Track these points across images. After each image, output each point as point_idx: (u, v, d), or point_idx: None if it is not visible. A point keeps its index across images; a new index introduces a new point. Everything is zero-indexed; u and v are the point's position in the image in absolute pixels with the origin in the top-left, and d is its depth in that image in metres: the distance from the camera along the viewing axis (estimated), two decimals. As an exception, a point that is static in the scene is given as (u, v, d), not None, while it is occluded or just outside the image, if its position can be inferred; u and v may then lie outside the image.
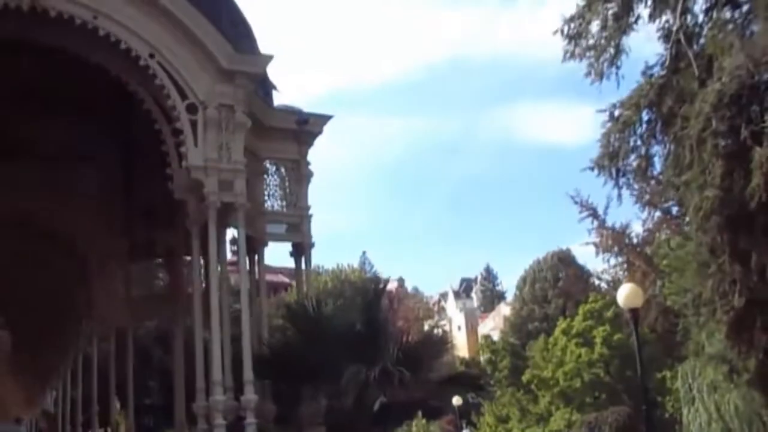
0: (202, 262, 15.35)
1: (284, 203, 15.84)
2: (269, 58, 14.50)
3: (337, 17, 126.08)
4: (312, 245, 15.66)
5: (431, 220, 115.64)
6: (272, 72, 15.62)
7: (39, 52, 15.94)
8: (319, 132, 16.29)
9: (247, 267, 14.68)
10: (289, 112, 16.11)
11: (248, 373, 12.87)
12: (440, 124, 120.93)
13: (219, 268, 13.72)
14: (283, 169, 15.97)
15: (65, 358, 28.06)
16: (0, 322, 16.30)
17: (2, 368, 15.58)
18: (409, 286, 68.24)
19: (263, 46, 15.52)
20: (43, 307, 27.42)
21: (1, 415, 15.81)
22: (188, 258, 16.59)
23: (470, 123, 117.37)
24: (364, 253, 66.82)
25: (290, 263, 16.19)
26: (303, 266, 15.71)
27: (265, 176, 15.81)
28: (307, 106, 16.31)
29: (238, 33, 14.99)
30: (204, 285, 15.22)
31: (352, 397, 12.21)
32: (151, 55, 13.58)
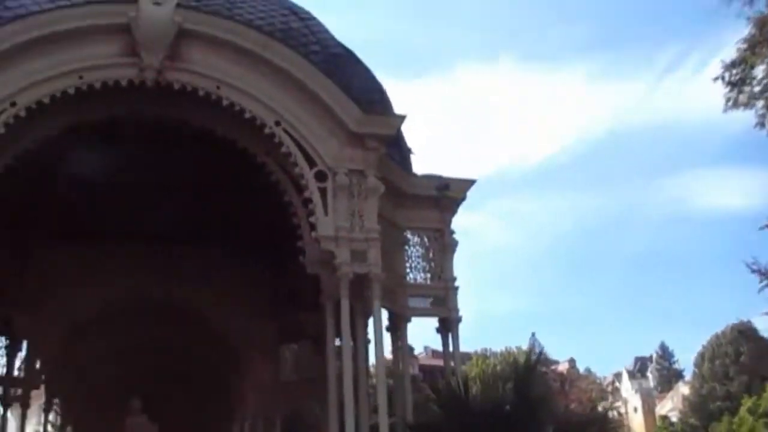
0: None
1: (428, 275, 14.70)
2: (401, 118, 13.58)
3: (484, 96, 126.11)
4: (459, 320, 14.39)
5: (602, 297, 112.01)
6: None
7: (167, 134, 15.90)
8: (463, 198, 15.19)
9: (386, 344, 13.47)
10: (429, 177, 15.07)
11: (386, 463, 11.64)
12: (606, 198, 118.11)
13: (352, 346, 12.70)
14: (425, 239, 14.87)
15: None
16: (136, 407, 15.66)
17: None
18: (581, 367, 65.41)
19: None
20: (192, 398, 27.29)
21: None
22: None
23: (636, 195, 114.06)
24: (533, 334, 64.44)
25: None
26: (450, 342, 14.38)
27: (406, 247, 14.73)
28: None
29: (371, 98, 14.16)
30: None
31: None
32: (277, 123, 12.93)
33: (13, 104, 12.54)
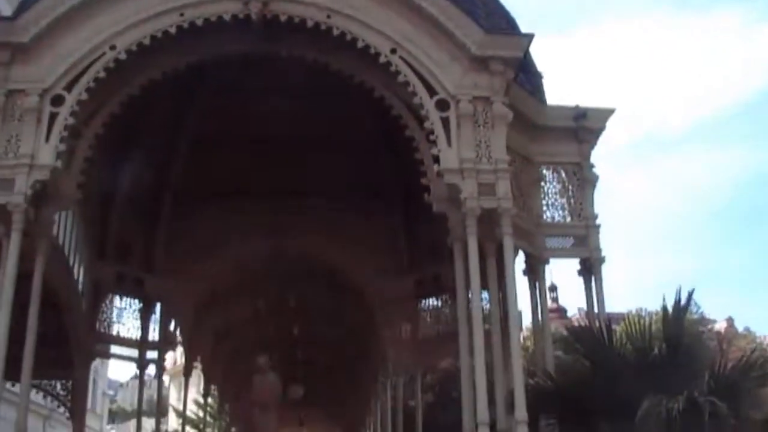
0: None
1: (566, 214, 13.44)
2: (529, 37, 12.27)
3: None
4: (602, 260, 13.08)
5: (763, 255, 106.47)
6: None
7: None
8: (602, 128, 13.81)
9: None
10: (564, 108, 13.77)
11: (520, 412, 10.52)
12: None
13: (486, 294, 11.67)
14: (563, 174, 13.61)
15: (365, 411, 27.20)
16: (262, 364, 15.14)
17: (273, 411, 14.43)
18: (739, 326, 61.84)
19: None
20: (333, 358, 26.95)
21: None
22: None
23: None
24: (680, 286, 60.93)
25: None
26: (593, 286, 13.09)
27: (542, 184, 13.50)
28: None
29: (494, 20, 13.00)
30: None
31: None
32: (393, 51, 11.93)
33: (113, 47, 12.06)
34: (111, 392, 72.90)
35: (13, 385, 21.15)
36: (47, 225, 12.33)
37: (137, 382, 20.69)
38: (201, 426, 40.05)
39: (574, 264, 13.51)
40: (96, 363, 46.99)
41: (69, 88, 12.01)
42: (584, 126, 13.57)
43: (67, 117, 11.84)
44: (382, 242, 19.51)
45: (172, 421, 52.78)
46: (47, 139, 11.70)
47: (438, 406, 39.79)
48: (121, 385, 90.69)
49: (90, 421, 47.58)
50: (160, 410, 20.29)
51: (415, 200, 17.34)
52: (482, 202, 11.37)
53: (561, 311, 53.01)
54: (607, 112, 13.84)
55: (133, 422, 72.47)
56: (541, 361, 12.69)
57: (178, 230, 19.20)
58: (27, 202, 11.38)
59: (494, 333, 12.00)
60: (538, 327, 13.03)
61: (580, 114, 13.49)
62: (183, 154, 18.98)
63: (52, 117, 11.85)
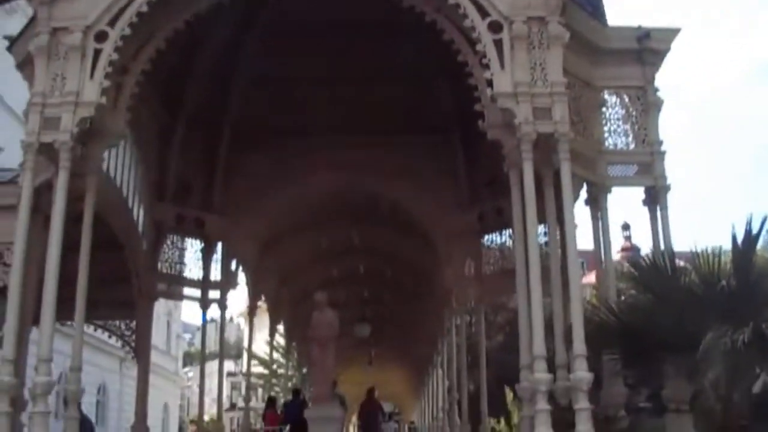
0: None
1: (629, 140, 12.80)
2: (582, -46, 11.62)
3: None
4: (667, 188, 12.42)
5: None
6: None
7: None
8: (667, 49, 13.04)
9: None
10: (626, 28, 13.04)
11: (579, 346, 10.07)
12: None
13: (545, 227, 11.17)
14: (625, 99, 12.94)
15: (432, 350, 27.11)
16: (320, 300, 14.97)
17: (331, 348, 14.30)
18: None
19: None
20: (398, 294, 26.79)
21: (325, 392, 14.52)
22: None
23: None
24: (762, 222, 58.58)
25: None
26: (658, 215, 12.48)
27: (604, 109, 12.85)
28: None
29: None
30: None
31: (719, 371, 8.98)
32: (442, -29, 11.44)
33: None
34: (188, 335, 74.18)
35: (63, 325, 21.71)
36: (96, 162, 12.21)
37: (213, 325, 20.81)
38: (272, 366, 40.48)
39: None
40: (170, 306, 48.09)
41: (112, 23, 11.78)
42: (648, 47, 12.83)
43: (111, 53, 11.63)
44: (445, 178, 19.15)
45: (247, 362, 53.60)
46: (92, 75, 11.52)
47: (508, 346, 39.61)
48: (198, 328, 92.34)
49: (165, 363, 48.79)
50: (222, 350, 20.21)
51: (476, 133, 17.03)
52: (538, 126, 10.83)
53: (634, 250, 51.78)
54: (672, 33, 13.08)
55: (209, 364, 74.26)
56: (604, 294, 12.17)
57: (238, 169, 19.10)
58: (73, 139, 11.24)
59: (553, 264, 11.53)
60: (599, 258, 12.48)
61: (644, 35, 12.75)
62: (241, 90, 18.76)
63: (96, 54, 11.66)
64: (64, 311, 11.51)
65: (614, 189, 12.64)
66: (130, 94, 12.52)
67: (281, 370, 36.91)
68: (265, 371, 40.74)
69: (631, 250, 51.07)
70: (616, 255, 20.60)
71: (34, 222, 11.54)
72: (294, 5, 16.29)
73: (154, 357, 42.32)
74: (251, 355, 25.60)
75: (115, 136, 12.49)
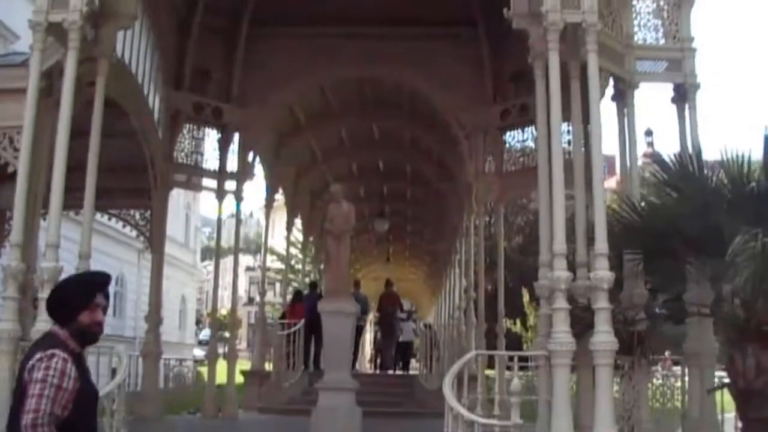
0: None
1: (659, 35, 12.24)
2: None
3: None
4: (697, 86, 11.91)
5: None
6: None
7: None
8: (701, -64, 12.37)
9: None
10: None
11: (600, 245, 9.77)
12: None
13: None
14: (657, -9, 12.32)
15: (451, 249, 26.98)
16: (336, 192, 14.72)
17: (346, 241, 14.09)
18: None
19: None
20: (421, 191, 26.53)
21: (339, 286, 14.40)
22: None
23: None
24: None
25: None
26: (686, 114, 12.01)
27: (634, 2, 12.25)
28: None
29: None
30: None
31: (745, 276, 8.67)
32: None
33: None
34: (207, 229, 74.57)
35: (77, 214, 21.68)
36: (108, 45, 11.80)
37: (233, 219, 20.68)
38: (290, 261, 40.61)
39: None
40: (189, 199, 48.14)
41: None
42: (680, -67, 12.15)
43: (121, -72, 11.11)
44: (469, 71, 18.66)
45: (268, 257, 53.91)
46: (100, -48, 11.01)
47: (527, 248, 39.58)
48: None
49: (183, 255, 49.12)
50: (237, 243, 20.09)
51: (502, 26, 16.47)
52: (565, 15, 10.30)
53: (656, 156, 51.12)
54: None
55: (229, 258, 74.90)
56: (628, 193, 11.77)
57: (258, 57, 18.67)
58: (83, 19, 10.81)
59: (576, 161, 11.15)
60: (624, 154, 12.06)
61: None
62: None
63: (103, -71, 11.14)
64: (77, 199, 11.37)
65: (640, 92, 12.09)
66: (143, -27, 11.97)
67: (298, 266, 36.97)
68: (283, 266, 40.96)
69: (653, 157, 50.48)
70: (639, 160, 20.13)
71: (45, 106, 11.28)
72: None
73: (172, 249, 42.76)
74: (266, 250, 25.43)
75: (128, 17, 12.04)
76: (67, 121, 10.67)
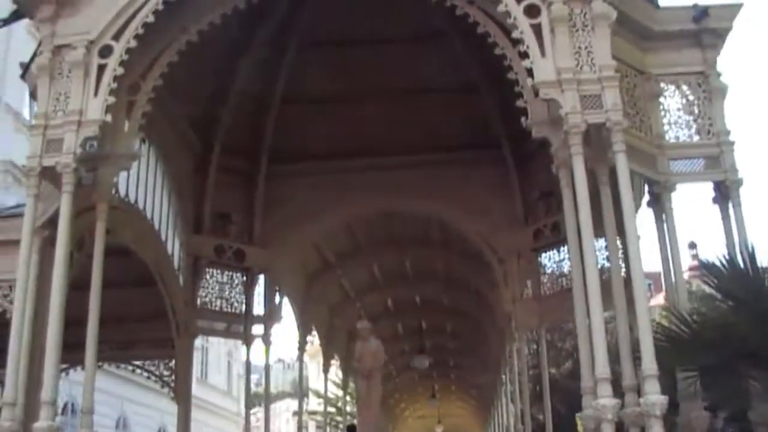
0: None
1: (692, 131, 11.44)
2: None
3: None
4: (740, 182, 11.01)
5: None
6: None
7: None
8: (728, 28, 11.69)
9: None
10: (681, 9, 11.71)
11: (649, 365, 8.69)
12: None
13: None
14: (685, 87, 11.60)
15: (496, 379, 25.85)
16: (364, 329, 13.86)
17: (377, 379, 13.16)
18: None
19: None
20: (455, 321, 25.53)
21: (371, 418, 13.41)
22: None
23: None
24: None
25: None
26: (731, 212, 11.06)
27: (661, 100, 11.51)
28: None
29: None
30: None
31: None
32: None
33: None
34: (256, 376, 73.48)
35: (118, 367, 20.89)
36: (107, 188, 11.27)
37: (280, 365, 19.77)
38: (338, 404, 39.43)
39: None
40: (230, 346, 47.39)
41: (117, 37, 10.93)
42: (707, 28, 11.50)
43: (116, 68, 10.75)
44: (497, 194, 17.92)
45: (312, 401, 52.63)
46: (96, 93, 10.65)
47: (577, 373, 37.92)
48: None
49: (227, 404, 48.04)
50: (268, 389, 19.08)
51: (527, 145, 15.86)
52: (587, 116, 9.55)
53: (703, 264, 49.50)
54: (734, 9, 11.71)
55: (277, 404, 73.68)
56: (674, 306, 10.73)
57: (278, 195, 18.17)
58: (77, 161, 10.34)
59: (614, 277, 10.18)
60: (667, 265, 11.06)
61: (701, 14, 11.41)
62: (276, 115, 17.92)
63: (101, 69, 10.80)
64: (105, 352, 10.64)
65: (680, 195, 11.22)
66: (142, 113, 11.54)
67: (339, 405, 35.79)
68: (331, 408, 39.77)
69: (698, 269, 48.96)
70: (685, 274, 19.07)
71: (49, 254, 10.65)
72: (326, 21, 15.82)
73: (215, 398, 41.54)
74: (302, 395, 24.40)
75: (128, 158, 11.53)
76: (63, 270, 10.03)
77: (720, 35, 11.64)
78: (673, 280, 11.04)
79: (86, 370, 10.54)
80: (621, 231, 10.03)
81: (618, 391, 9.11)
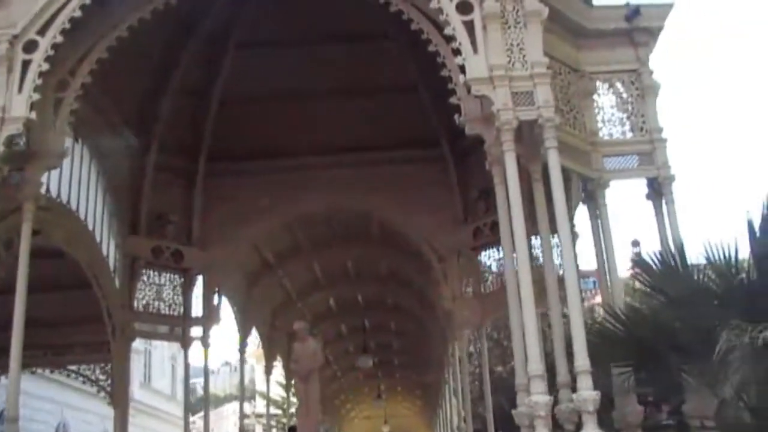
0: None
1: (625, 129, 11.49)
2: None
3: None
4: (672, 179, 11.08)
5: None
6: None
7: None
8: (660, 27, 11.78)
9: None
10: (614, 8, 11.80)
11: (582, 361, 8.69)
12: None
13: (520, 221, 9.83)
14: (618, 85, 11.65)
15: (440, 377, 25.83)
16: (300, 329, 13.69)
17: (315, 379, 13.01)
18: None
19: None
20: (398, 319, 25.46)
21: (311, 421, 13.23)
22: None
23: None
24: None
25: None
26: (663, 208, 11.12)
27: (595, 97, 11.54)
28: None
29: None
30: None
31: (745, 376, 7.61)
32: (401, -51, 10.23)
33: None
34: (198, 379, 72.69)
35: (52, 372, 20.48)
36: (34, 187, 10.95)
37: (226, 368, 19.46)
38: (284, 406, 39.20)
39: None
40: (174, 350, 46.69)
41: (42, 32, 10.68)
42: (639, 26, 11.58)
43: (41, 63, 10.49)
44: (437, 193, 17.85)
45: (260, 403, 52.29)
46: (20, 89, 10.36)
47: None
48: (212, 372, 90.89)
49: (171, 408, 47.33)
50: (207, 393, 18.89)
51: (466, 144, 15.81)
52: (519, 113, 9.54)
53: (637, 259, 50.18)
54: (666, 8, 11.82)
55: (224, 407, 73.00)
56: (608, 304, 10.75)
57: (218, 195, 17.93)
58: (0, 160, 10.02)
59: (548, 272, 10.18)
60: (601, 260, 11.10)
61: (633, 12, 11.50)
62: (215, 113, 17.67)
63: (25, 65, 10.52)
64: (39, 357, 10.29)
65: (617, 192, 11.25)
66: (70, 110, 11.26)
67: (284, 407, 35.58)
68: (277, 410, 39.54)
69: (636, 262, 49.52)
70: (625, 272, 19.11)
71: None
72: (266, 20, 15.54)
73: (159, 403, 40.82)
74: (243, 398, 24.18)
75: (55, 157, 11.24)
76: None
77: (652, 34, 11.72)
78: (608, 277, 11.05)
79: (10, 375, 10.22)
80: (554, 227, 10.04)
81: (555, 388, 9.11)
